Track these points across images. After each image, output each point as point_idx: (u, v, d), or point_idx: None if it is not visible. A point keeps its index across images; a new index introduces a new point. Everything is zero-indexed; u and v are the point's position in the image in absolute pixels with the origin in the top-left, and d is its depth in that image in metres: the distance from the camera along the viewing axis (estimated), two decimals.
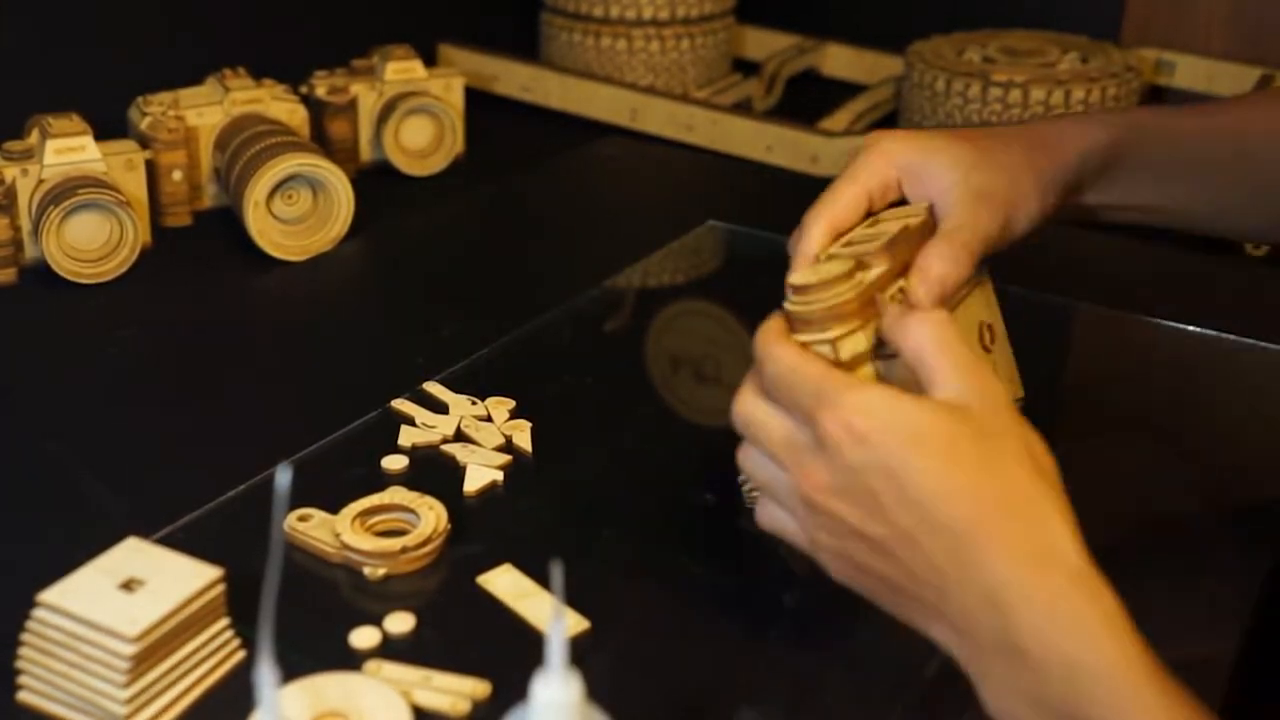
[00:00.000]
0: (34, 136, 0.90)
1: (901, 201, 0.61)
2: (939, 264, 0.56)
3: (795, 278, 0.52)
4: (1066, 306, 0.87)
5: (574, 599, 0.57)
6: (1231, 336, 0.81)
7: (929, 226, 0.58)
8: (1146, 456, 0.71)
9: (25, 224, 0.89)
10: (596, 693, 0.52)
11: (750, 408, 0.51)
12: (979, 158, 0.60)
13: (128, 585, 0.51)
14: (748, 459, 0.52)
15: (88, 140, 0.89)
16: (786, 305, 0.52)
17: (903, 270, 0.56)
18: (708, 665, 0.55)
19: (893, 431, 0.45)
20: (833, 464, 0.47)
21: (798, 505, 0.49)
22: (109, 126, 0.95)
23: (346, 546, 0.59)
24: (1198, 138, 0.68)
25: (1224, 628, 0.58)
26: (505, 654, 0.54)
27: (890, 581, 0.47)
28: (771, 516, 0.52)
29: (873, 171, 0.60)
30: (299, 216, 0.94)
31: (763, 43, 1.40)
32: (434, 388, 0.74)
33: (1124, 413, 0.75)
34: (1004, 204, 0.59)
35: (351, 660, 0.54)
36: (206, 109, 0.97)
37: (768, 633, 0.57)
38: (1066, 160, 0.62)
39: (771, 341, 0.50)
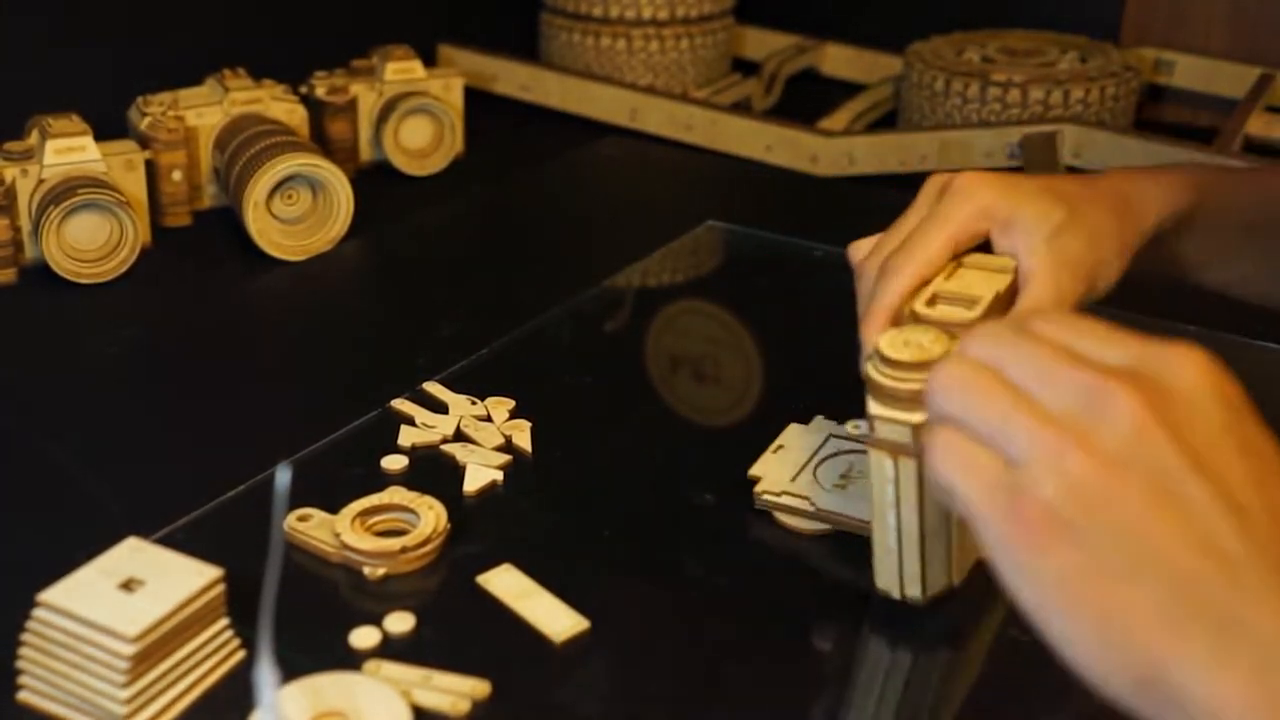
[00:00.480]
0: (34, 137, 0.90)
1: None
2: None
3: (887, 346, 0.48)
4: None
5: (574, 599, 0.57)
6: (1230, 335, 0.81)
7: (1013, 289, 0.56)
8: None
9: (25, 224, 0.89)
10: (596, 692, 0.52)
11: (976, 376, 0.38)
12: (1067, 218, 0.57)
13: (127, 585, 0.51)
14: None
15: (87, 140, 0.89)
16: (869, 370, 0.48)
17: None
18: (708, 665, 0.55)
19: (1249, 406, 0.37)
20: (1123, 434, 0.35)
21: (1046, 476, 0.36)
22: (109, 127, 0.96)
23: (346, 546, 0.59)
24: (1267, 198, 0.65)
25: None
26: (505, 654, 0.54)
27: (1163, 555, 0.34)
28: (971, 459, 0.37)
29: (964, 220, 0.56)
30: (299, 216, 0.94)
31: (762, 42, 1.40)
32: (434, 387, 0.74)
33: None
34: (1088, 273, 0.56)
35: (351, 660, 0.54)
36: (206, 109, 0.97)
37: (768, 633, 0.57)
38: (1146, 225, 0.60)
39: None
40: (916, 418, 0.47)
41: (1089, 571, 0.34)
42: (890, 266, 0.55)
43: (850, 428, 0.66)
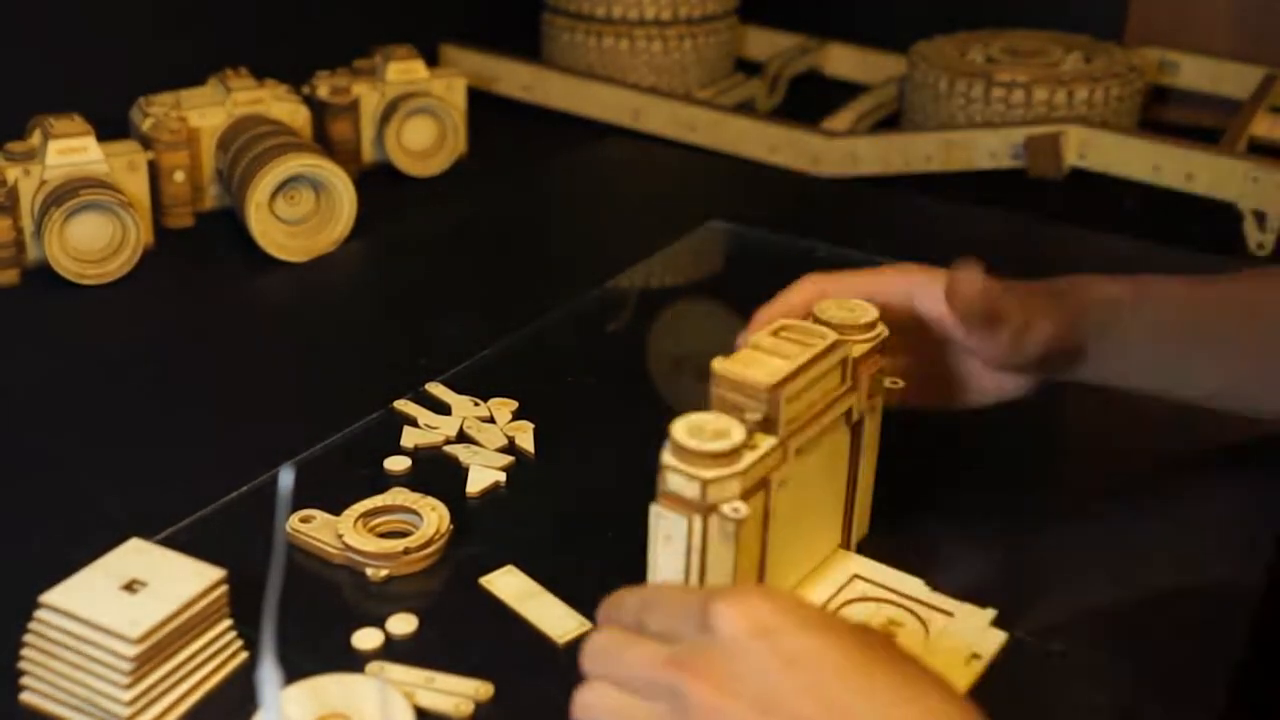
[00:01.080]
0: (36, 137, 0.90)
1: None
2: (969, 273, 0.57)
3: (680, 433, 0.50)
4: None
5: (577, 600, 0.57)
6: None
7: (881, 343, 0.57)
8: (1154, 434, 0.71)
9: (27, 225, 0.89)
10: None
11: (611, 637, 0.47)
12: (997, 283, 0.59)
13: (130, 586, 0.51)
14: (602, 697, 0.46)
15: (90, 141, 0.89)
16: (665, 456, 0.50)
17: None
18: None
19: (793, 616, 0.43)
20: (726, 653, 0.43)
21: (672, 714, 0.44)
22: (111, 127, 0.96)
23: (349, 548, 0.59)
24: (1209, 304, 0.65)
25: (1253, 554, 0.58)
26: (508, 655, 0.54)
27: None
28: None
29: (885, 279, 0.61)
30: (301, 217, 0.94)
31: (765, 43, 1.40)
32: (436, 388, 0.74)
33: (1128, 412, 0.75)
34: (1021, 313, 0.59)
35: (354, 661, 0.54)
36: (209, 110, 0.97)
37: None
38: (1077, 307, 0.62)
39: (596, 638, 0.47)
40: (709, 474, 0.49)
41: None
42: (802, 279, 0.61)
43: None
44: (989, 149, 1.10)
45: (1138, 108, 1.19)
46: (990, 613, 0.55)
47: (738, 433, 0.49)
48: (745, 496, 0.49)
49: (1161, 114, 1.30)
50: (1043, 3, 1.32)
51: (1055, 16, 1.30)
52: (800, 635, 0.43)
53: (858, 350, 0.55)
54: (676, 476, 0.49)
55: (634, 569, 0.60)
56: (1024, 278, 0.63)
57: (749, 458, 0.49)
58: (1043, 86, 1.13)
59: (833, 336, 0.54)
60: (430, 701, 0.51)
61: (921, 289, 0.60)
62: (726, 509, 0.49)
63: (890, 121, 1.25)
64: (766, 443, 0.50)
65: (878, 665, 0.42)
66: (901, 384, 0.59)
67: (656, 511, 0.50)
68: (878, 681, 0.42)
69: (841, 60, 1.38)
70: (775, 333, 0.54)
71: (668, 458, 0.50)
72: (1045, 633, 0.56)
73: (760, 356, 0.52)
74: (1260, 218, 1.02)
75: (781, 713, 0.42)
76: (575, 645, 0.55)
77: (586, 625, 0.55)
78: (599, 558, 0.61)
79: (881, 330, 0.57)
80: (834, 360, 0.54)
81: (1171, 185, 1.06)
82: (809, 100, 1.28)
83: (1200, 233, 1.04)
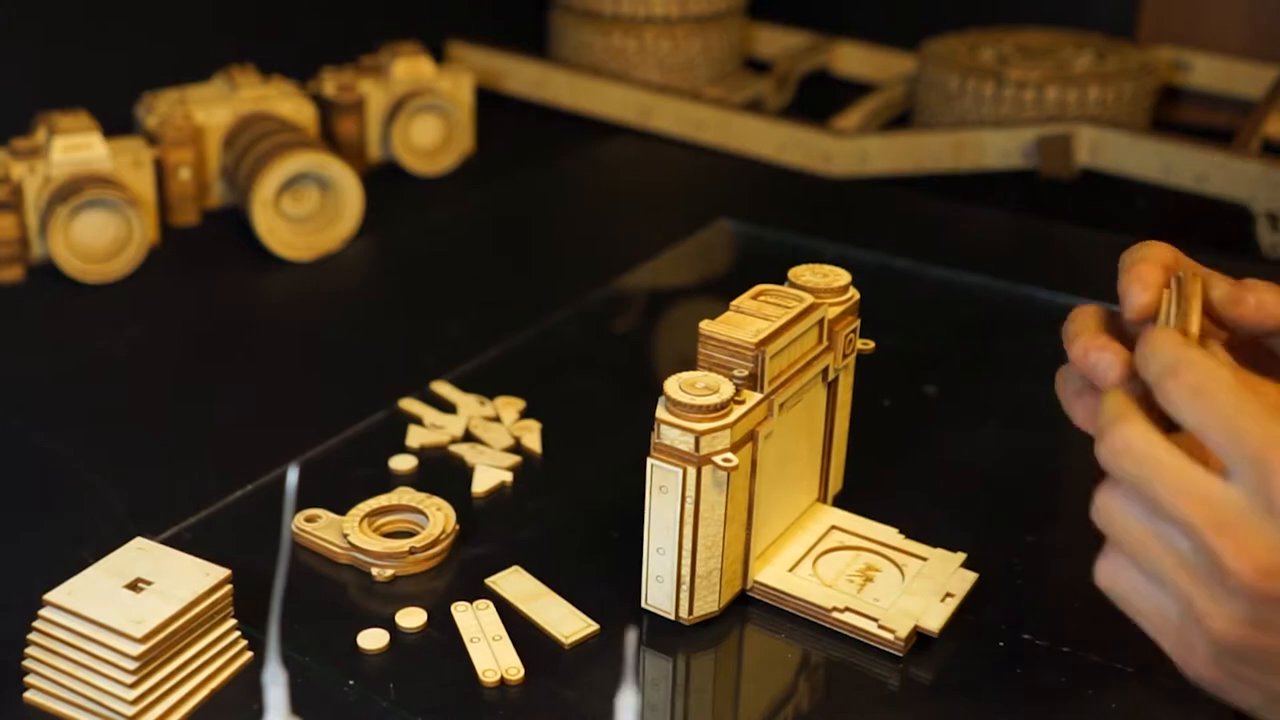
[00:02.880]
0: (41, 134, 0.90)
1: None
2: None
3: (672, 389, 0.52)
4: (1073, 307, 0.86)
5: (582, 600, 0.57)
6: None
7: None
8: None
9: (32, 222, 0.88)
10: (605, 694, 0.51)
11: (1120, 514, 0.43)
12: None
13: (134, 585, 0.51)
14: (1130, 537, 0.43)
15: (95, 138, 0.89)
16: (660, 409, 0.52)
17: None
18: (700, 655, 0.55)
19: None
20: (1241, 601, 0.40)
21: (1198, 634, 0.42)
22: (116, 124, 0.95)
23: (354, 547, 0.59)
24: None
25: None
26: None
27: None
28: (1148, 599, 0.43)
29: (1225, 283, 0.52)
30: (307, 215, 0.93)
31: (775, 41, 1.39)
32: (442, 387, 0.74)
33: None
34: None
35: (359, 661, 0.54)
36: (214, 107, 0.97)
37: (774, 633, 0.56)
38: None
39: (1128, 435, 0.42)
40: (702, 426, 0.52)
41: (1269, 698, 0.41)
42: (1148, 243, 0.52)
43: None
44: (1000, 148, 1.09)
45: (1150, 107, 1.18)
46: (961, 556, 0.58)
47: (726, 389, 0.52)
48: (735, 448, 0.52)
49: (1174, 114, 1.29)
50: (1054, 1, 1.31)
51: (1067, 15, 1.29)
52: None
53: (832, 312, 0.59)
54: (671, 430, 0.52)
55: (638, 569, 0.60)
56: (1035, 276, 0.62)
57: (737, 412, 0.52)
58: (1054, 86, 1.13)
59: (809, 299, 0.57)
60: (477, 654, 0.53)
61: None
62: (719, 460, 0.52)
63: (900, 120, 1.25)
64: (753, 398, 0.54)
65: None
66: (872, 345, 0.61)
67: (652, 463, 0.53)
68: None
69: (851, 59, 1.38)
70: (755, 297, 0.58)
71: (662, 412, 0.53)
72: (1053, 636, 0.55)
73: (743, 319, 0.55)
74: (1273, 219, 1.01)
75: None
76: (580, 646, 0.55)
77: (592, 626, 0.55)
78: (605, 558, 0.60)
79: (853, 294, 0.60)
80: (811, 321, 0.57)
81: (1183, 186, 1.05)
82: (818, 99, 1.28)
83: (1212, 234, 1.04)
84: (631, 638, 0.55)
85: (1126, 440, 0.42)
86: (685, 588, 0.54)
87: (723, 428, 0.52)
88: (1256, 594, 0.39)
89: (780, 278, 0.61)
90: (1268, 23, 1.26)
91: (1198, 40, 1.28)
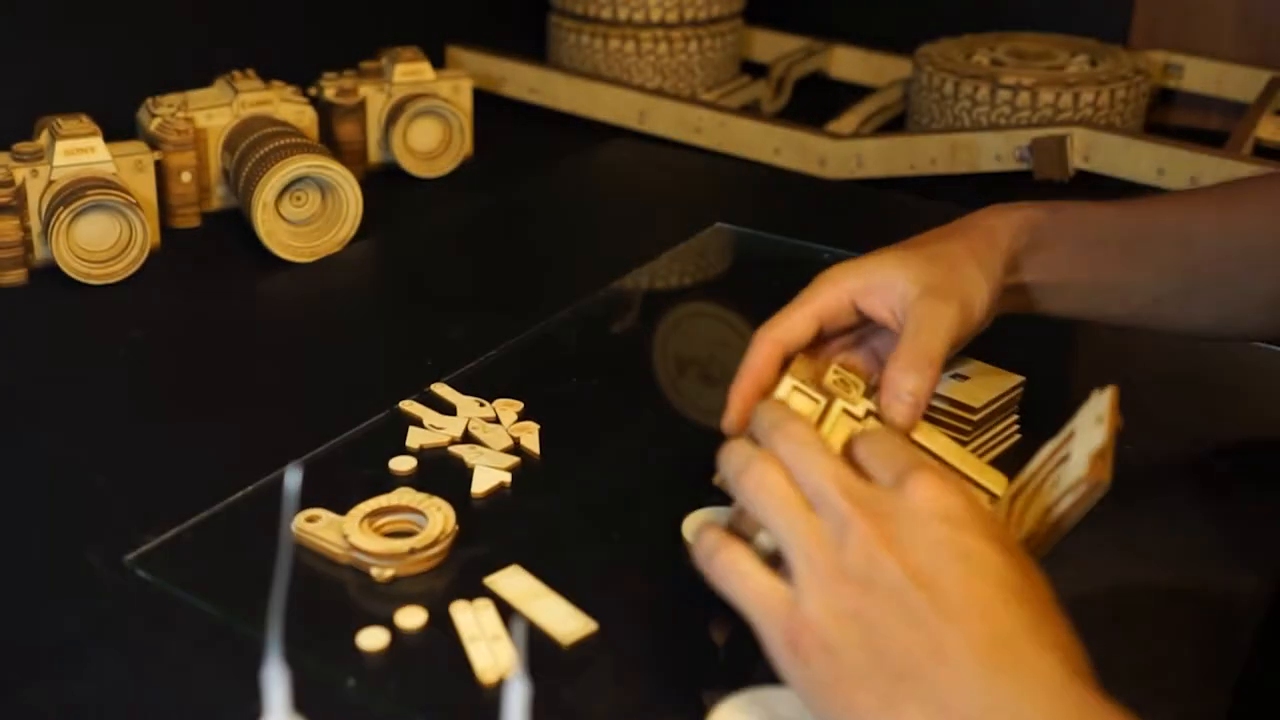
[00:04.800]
0: (43, 138, 0.90)
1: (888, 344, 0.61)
2: (907, 379, 0.57)
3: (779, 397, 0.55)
4: None
5: (582, 601, 0.57)
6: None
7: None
8: (1160, 453, 0.71)
9: (35, 225, 0.89)
10: (604, 694, 0.52)
11: (810, 433, 0.49)
12: (922, 259, 0.60)
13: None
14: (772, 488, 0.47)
15: (97, 141, 0.89)
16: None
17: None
18: (716, 667, 0.55)
19: (980, 521, 0.45)
20: (908, 517, 0.45)
21: (815, 548, 0.45)
22: (118, 128, 0.96)
23: (354, 547, 0.59)
24: (1126, 219, 0.67)
25: (1259, 556, 0.58)
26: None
27: (888, 652, 0.43)
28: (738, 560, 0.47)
29: (823, 297, 0.61)
30: (307, 218, 0.94)
31: (771, 45, 1.40)
32: (442, 389, 0.74)
33: (1130, 412, 0.75)
34: (956, 293, 0.59)
35: (359, 662, 0.54)
36: (215, 110, 0.97)
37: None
38: (1000, 241, 0.63)
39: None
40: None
41: (838, 675, 0.44)
42: (753, 337, 0.61)
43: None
44: (994, 151, 1.10)
45: (1143, 110, 1.19)
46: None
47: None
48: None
49: (1167, 117, 1.30)
50: (1048, 5, 1.32)
51: (1060, 19, 1.29)
52: (979, 538, 0.44)
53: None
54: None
55: (641, 570, 0.60)
56: None
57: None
58: (1048, 89, 1.13)
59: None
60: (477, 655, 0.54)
61: (861, 295, 0.61)
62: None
63: (896, 124, 1.25)
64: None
65: (1031, 594, 0.44)
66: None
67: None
68: (1025, 608, 0.43)
69: (847, 63, 1.38)
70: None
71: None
72: None
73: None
74: None
75: (932, 591, 0.43)
76: (580, 646, 0.55)
77: (591, 626, 0.55)
78: (604, 558, 0.61)
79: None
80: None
81: (1176, 188, 1.06)
82: (814, 102, 1.28)
83: None
84: (632, 638, 0.56)
85: (797, 429, 0.49)
86: None
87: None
88: (876, 561, 0.44)
89: (777, 280, 0.62)
90: (1259, 27, 1.27)
91: (1189, 44, 1.28)
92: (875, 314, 0.61)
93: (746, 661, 0.55)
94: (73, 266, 0.88)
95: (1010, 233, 0.63)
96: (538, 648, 0.55)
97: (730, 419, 0.59)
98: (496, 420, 0.71)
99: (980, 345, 0.65)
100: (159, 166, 0.94)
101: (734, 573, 0.47)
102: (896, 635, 0.43)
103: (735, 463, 0.49)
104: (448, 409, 0.72)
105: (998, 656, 0.42)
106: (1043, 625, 0.43)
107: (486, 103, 1.17)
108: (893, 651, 0.43)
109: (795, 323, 0.60)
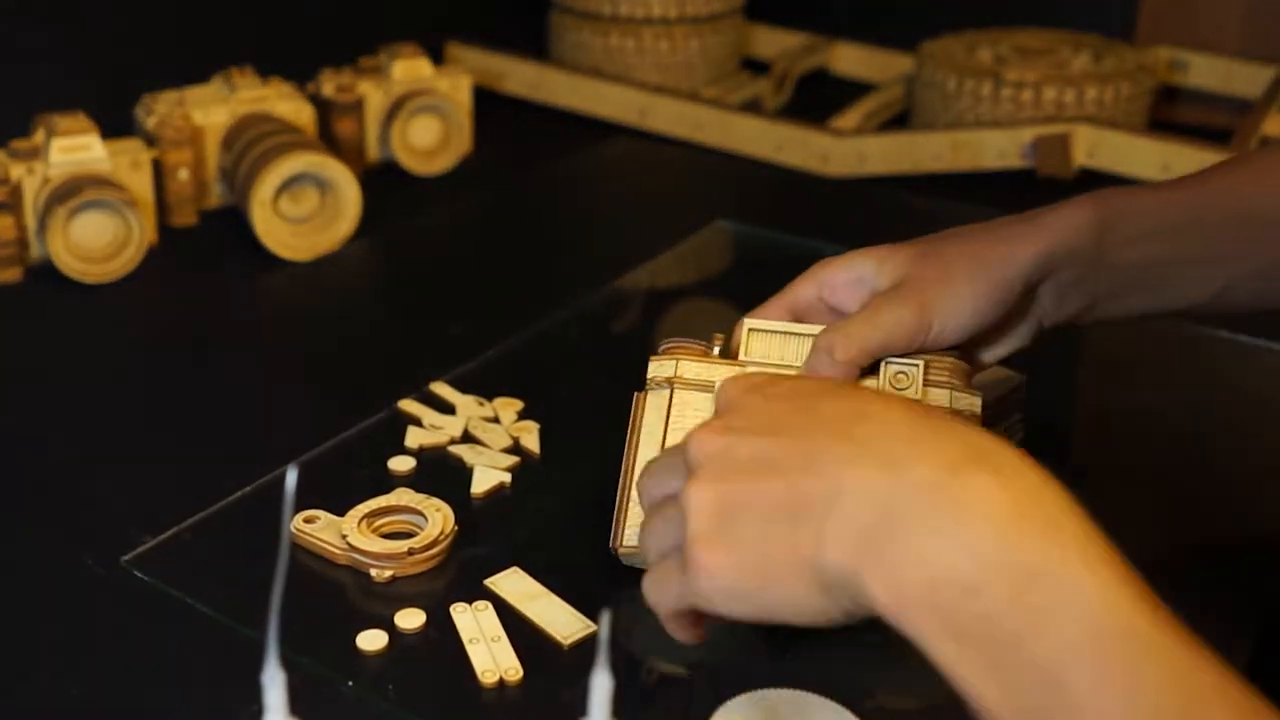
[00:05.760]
0: (40, 135, 0.90)
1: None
2: (823, 338, 0.57)
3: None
4: None
5: (582, 602, 0.57)
6: (1243, 337, 0.80)
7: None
8: (1160, 456, 0.71)
9: (31, 223, 0.88)
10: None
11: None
12: (907, 257, 0.59)
13: None
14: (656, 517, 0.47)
15: (94, 139, 0.89)
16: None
17: None
18: (717, 668, 0.55)
19: (769, 377, 0.47)
20: (733, 408, 0.45)
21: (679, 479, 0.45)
22: (115, 125, 0.95)
23: (353, 548, 0.59)
24: (1187, 204, 0.61)
25: (1238, 632, 0.57)
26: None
27: (778, 466, 0.42)
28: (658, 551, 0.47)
29: (797, 289, 0.61)
30: (306, 216, 0.93)
31: (772, 41, 1.39)
32: (441, 388, 0.73)
33: (1133, 415, 0.74)
34: (915, 296, 0.57)
35: (357, 662, 0.54)
36: (213, 108, 0.97)
37: (779, 633, 0.56)
38: (1035, 243, 0.58)
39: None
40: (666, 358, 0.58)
41: (760, 521, 0.42)
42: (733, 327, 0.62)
43: None
44: (998, 149, 1.09)
45: (1147, 107, 1.18)
46: None
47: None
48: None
49: (1171, 114, 1.29)
50: (1052, 1, 1.31)
51: (1064, 15, 1.29)
52: (787, 382, 0.46)
53: None
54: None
55: (641, 571, 0.60)
56: None
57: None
58: (1052, 86, 1.13)
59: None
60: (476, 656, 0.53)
61: (831, 290, 0.60)
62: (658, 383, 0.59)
63: (898, 121, 1.25)
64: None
65: (867, 393, 0.45)
66: None
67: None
68: (886, 404, 0.43)
69: (849, 59, 1.37)
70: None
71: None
72: None
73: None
74: None
75: (788, 429, 0.43)
76: (580, 646, 0.55)
77: (591, 627, 0.55)
78: (604, 559, 0.60)
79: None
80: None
81: None
82: (816, 99, 1.27)
83: None
84: (632, 639, 0.55)
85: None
86: (621, 513, 0.55)
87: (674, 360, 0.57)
88: (718, 440, 0.44)
89: (779, 278, 0.61)
90: (1265, 23, 1.26)
91: (1195, 40, 1.28)
92: (843, 308, 0.60)
93: (747, 662, 0.55)
94: (69, 265, 0.87)
95: (1058, 235, 0.59)
96: (538, 649, 0.54)
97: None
98: (496, 420, 0.71)
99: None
100: (156, 164, 0.93)
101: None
102: (771, 489, 0.42)
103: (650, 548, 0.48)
104: (447, 408, 0.72)
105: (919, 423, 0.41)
106: (894, 402, 0.43)
107: (486, 100, 1.17)
108: (776, 501, 0.42)
109: (769, 312, 0.61)
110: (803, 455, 0.42)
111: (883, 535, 0.39)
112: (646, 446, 0.57)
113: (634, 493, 0.55)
